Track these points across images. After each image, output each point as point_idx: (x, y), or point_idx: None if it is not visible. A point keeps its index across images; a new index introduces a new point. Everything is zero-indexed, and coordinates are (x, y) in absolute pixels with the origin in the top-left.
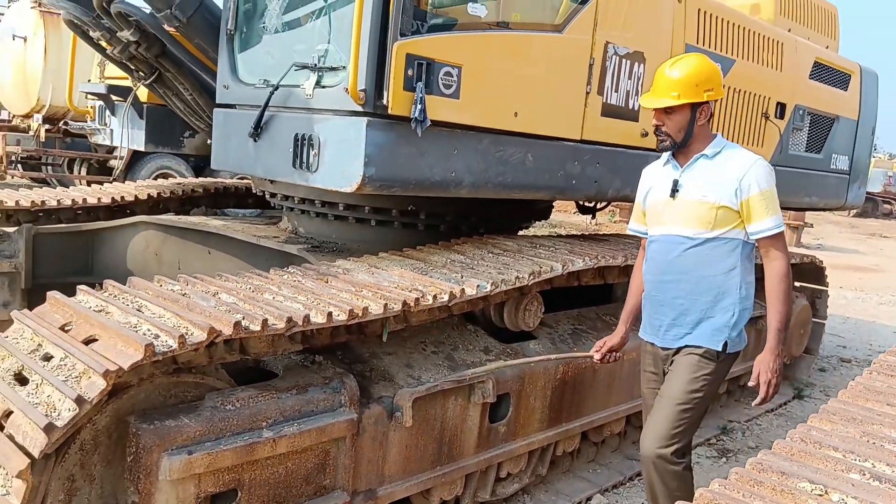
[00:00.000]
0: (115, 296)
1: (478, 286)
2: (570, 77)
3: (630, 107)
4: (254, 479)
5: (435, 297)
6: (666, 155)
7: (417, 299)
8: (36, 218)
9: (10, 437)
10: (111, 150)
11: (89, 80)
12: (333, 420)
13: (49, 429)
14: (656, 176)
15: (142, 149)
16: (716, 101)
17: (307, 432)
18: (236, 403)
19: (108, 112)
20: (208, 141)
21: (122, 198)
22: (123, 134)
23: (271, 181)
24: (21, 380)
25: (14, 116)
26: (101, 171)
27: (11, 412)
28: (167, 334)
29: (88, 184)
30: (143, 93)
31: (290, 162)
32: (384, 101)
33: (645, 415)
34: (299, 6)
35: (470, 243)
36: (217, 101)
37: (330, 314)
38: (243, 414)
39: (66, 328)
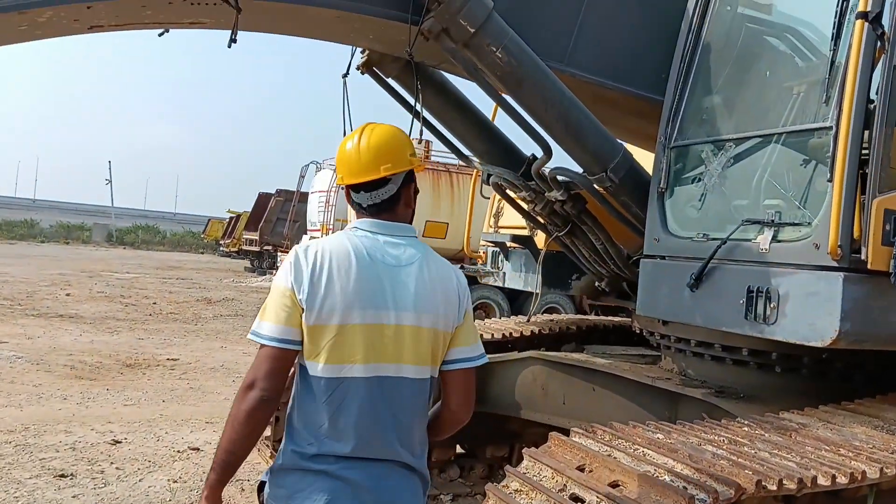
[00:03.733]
0: (609, 440)
1: None
2: None
3: None
4: None
5: None
6: None
7: None
8: None
9: None
10: None
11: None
12: None
13: None
14: None
15: (538, 290)
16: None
17: None
18: None
19: (501, 257)
20: (596, 283)
21: (510, 334)
22: (521, 277)
23: (664, 323)
24: None
25: None
26: None
27: None
28: (697, 488)
29: None
30: (539, 240)
31: (741, 313)
32: (861, 257)
33: None
34: (741, 168)
35: None
36: (645, 252)
37: (833, 476)
38: None
39: (584, 469)
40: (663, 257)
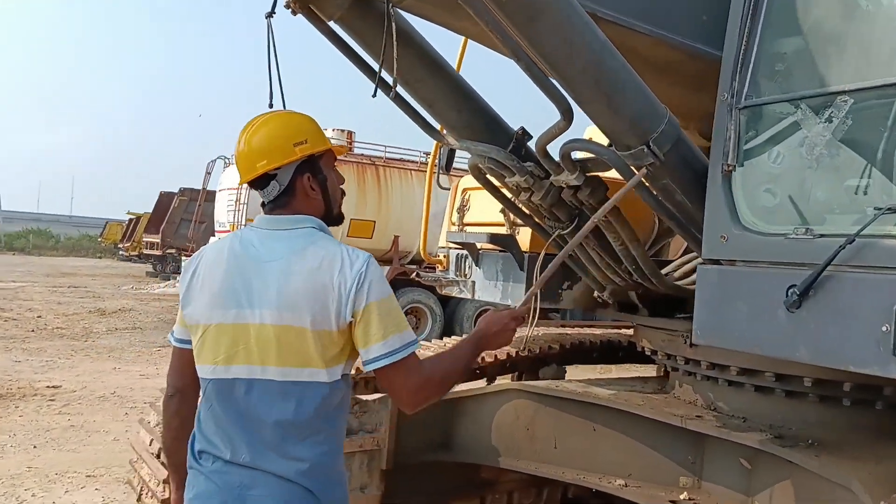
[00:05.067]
0: None
1: None
2: None
3: None
4: None
5: None
6: None
7: None
8: None
9: None
10: None
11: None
12: None
13: None
14: None
15: (536, 306)
16: None
17: None
18: None
19: (469, 262)
20: (596, 294)
21: (482, 359)
22: (498, 287)
23: (691, 343)
24: None
25: None
26: None
27: None
28: None
29: None
30: (523, 241)
31: (886, 347)
32: None
33: None
34: (862, 133)
35: None
36: (705, 256)
37: None
38: None
39: None
40: (733, 262)
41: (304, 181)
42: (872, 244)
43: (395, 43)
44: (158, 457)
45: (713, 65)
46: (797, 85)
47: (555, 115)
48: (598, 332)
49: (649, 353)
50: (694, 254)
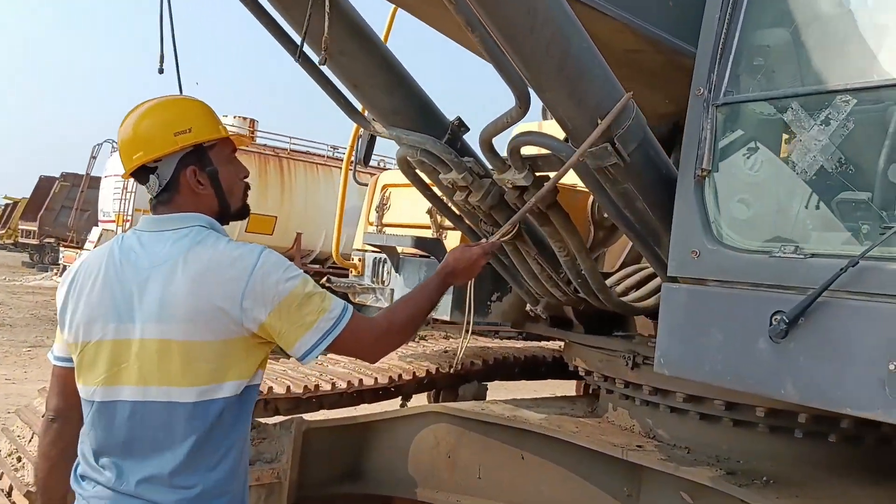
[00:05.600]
0: None
1: None
2: None
3: None
4: None
5: None
6: None
7: None
8: (297, 405)
9: None
10: None
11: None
12: None
13: None
14: None
15: (447, 318)
16: None
17: None
18: None
19: (388, 267)
20: (528, 308)
21: (400, 376)
22: None
23: (633, 365)
24: None
25: None
26: None
27: None
28: None
29: None
30: (452, 245)
31: (894, 388)
32: None
33: None
34: (864, 137)
35: None
36: (671, 273)
37: None
38: None
39: None
40: (703, 281)
41: (188, 175)
42: (877, 268)
43: (327, 7)
44: (10, 495)
45: (674, 58)
46: (785, 81)
47: (495, 110)
48: (518, 344)
49: (582, 374)
50: (637, 266)
